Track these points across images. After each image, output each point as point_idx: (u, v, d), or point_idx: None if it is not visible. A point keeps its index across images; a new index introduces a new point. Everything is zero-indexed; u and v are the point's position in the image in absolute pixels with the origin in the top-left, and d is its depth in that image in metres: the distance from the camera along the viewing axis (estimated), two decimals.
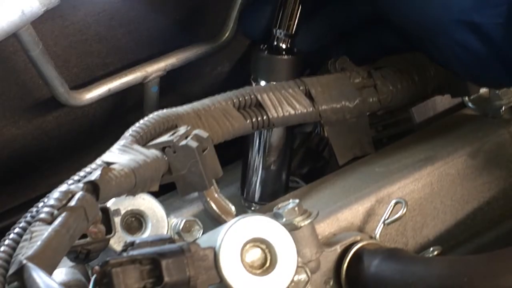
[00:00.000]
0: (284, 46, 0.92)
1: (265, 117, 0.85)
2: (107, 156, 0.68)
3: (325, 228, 0.78)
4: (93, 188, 0.61)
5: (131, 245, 0.62)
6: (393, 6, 0.85)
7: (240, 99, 0.84)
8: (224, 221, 0.80)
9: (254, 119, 0.84)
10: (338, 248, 0.75)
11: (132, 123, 0.75)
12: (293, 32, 0.92)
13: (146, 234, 0.79)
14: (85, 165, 0.68)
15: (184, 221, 0.80)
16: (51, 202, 0.59)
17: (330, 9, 0.96)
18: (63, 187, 0.61)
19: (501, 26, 0.76)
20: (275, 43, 0.92)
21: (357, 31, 0.96)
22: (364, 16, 0.94)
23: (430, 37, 0.83)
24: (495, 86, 0.91)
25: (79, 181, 0.65)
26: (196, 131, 0.72)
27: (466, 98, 0.97)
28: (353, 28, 0.96)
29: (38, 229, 0.57)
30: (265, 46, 0.93)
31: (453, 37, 0.80)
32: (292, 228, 0.70)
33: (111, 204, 0.76)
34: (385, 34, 0.94)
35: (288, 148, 0.95)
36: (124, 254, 0.60)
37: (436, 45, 0.84)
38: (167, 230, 0.80)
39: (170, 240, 0.62)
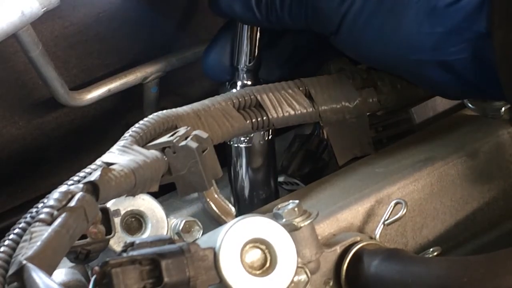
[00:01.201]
0: (249, 82, 0.92)
1: (265, 118, 0.85)
2: (107, 157, 0.68)
3: (325, 228, 0.78)
4: (93, 188, 0.61)
5: (131, 246, 0.61)
6: (355, 52, 0.85)
7: (240, 99, 0.84)
8: (224, 222, 0.80)
9: (254, 120, 0.84)
10: (338, 249, 0.75)
11: (132, 124, 0.75)
12: (255, 65, 0.92)
13: (146, 234, 0.79)
14: (85, 166, 0.68)
15: (184, 221, 0.80)
16: (51, 202, 0.59)
17: (289, 35, 0.95)
18: (63, 188, 0.61)
19: (468, 60, 0.76)
20: (239, 81, 0.92)
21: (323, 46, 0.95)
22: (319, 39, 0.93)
23: (396, 73, 0.86)
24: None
25: (79, 181, 0.65)
26: (196, 132, 0.72)
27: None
28: (319, 46, 0.95)
29: (38, 230, 0.57)
30: (230, 84, 0.93)
31: (419, 74, 0.80)
32: (292, 229, 0.70)
33: (111, 204, 0.76)
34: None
35: (271, 154, 0.95)
36: (124, 254, 0.60)
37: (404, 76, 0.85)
38: (167, 231, 0.80)
39: (170, 241, 0.62)
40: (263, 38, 0.93)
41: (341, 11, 0.80)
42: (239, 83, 0.92)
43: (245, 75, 0.92)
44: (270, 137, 0.93)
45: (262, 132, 0.92)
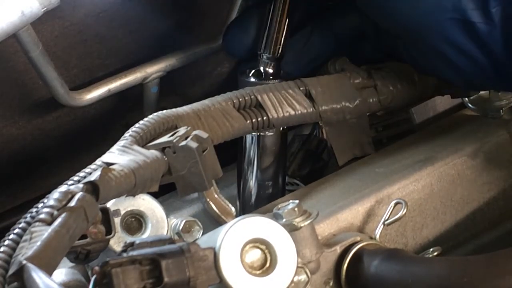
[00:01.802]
0: (271, 70, 0.92)
1: (265, 118, 0.85)
2: (107, 157, 0.68)
3: (325, 228, 0.78)
4: (93, 188, 0.61)
5: (131, 246, 0.61)
6: (382, 11, 0.83)
7: (240, 99, 0.84)
8: (224, 222, 0.80)
9: (254, 120, 0.84)
10: (338, 249, 0.75)
11: (132, 124, 0.75)
12: (279, 55, 0.92)
13: (146, 234, 0.79)
14: (85, 166, 0.68)
15: (184, 221, 0.80)
16: (51, 202, 0.59)
17: (318, 31, 0.95)
18: (63, 188, 0.61)
19: (494, 28, 0.75)
20: (262, 67, 0.92)
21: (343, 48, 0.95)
22: (353, 33, 0.93)
23: (422, 38, 0.81)
24: (484, 89, 0.90)
25: (79, 181, 0.65)
26: (196, 132, 0.72)
27: (466, 99, 0.97)
28: (341, 47, 0.95)
29: (38, 230, 0.57)
30: (251, 70, 0.93)
31: (446, 37, 0.79)
32: (292, 229, 0.70)
33: (111, 204, 0.76)
34: (367, 49, 0.93)
35: (283, 151, 0.94)
36: (124, 254, 0.60)
37: (425, 49, 0.82)
38: (167, 231, 0.80)
39: (170, 241, 0.62)
40: (290, 29, 0.92)
41: None
42: (260, 71, 0.92)
43: (269, 63, 0.92)
44: (284, 128, 0.93)
45: None
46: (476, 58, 0.78)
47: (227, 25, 0.96)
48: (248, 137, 0.93)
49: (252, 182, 0.93)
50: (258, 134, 0.92)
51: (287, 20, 0.91)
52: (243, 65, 0.95)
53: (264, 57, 0.92)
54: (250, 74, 0.93)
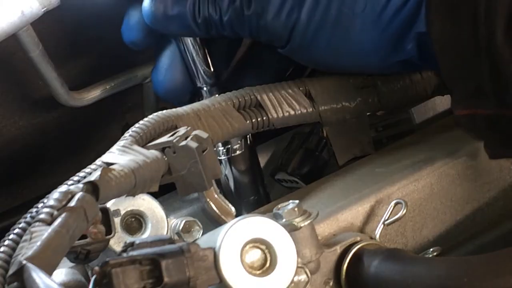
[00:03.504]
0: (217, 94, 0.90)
1: (265, 118, 0.85)
2: (107, 157, 0.69)
3: (325, 228, 0.78)
4: (93, 188, 0.61)
5: (131, 246, 0.61)
6: (309, 60, 0.85)
7: (240, 99, 0.84)
8: (224, 222, 0.80)
9: (254, 120, 0.84)
10: (338, 249, 0.75)
11: (132, 124, 0.75)
12: (218, 79, 0.91)
13: (146, 234, 0.79)
14: (85, 166, 0.68)
15: (183, 221, 0.80)
16: (51, 202, 0.59)
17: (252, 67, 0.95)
18: (63, 188, 0.61)
19: (416, 58, 0.79)
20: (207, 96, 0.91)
21: None
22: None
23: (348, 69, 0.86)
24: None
25: (79, 181, 0.65)
26: (196, 132, 0.72)
27: None
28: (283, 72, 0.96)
29: (37, 230, 0.57)
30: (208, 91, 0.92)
31: (379, 69, 0.83)
32: (292, 229, 0.70)
33: (111, 204, 0.76)
34: None
35: (255, 166, 0.94)
36: (124, 254, 0.60)
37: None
38: (167, 231, 0.80)
39: (170, 241, 0.62)
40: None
41: (288, 26, 0.80)
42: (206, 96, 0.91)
43: (210, 91, 0.91)
44: (249, 146, 0.92)
45: (240, 141, 0.91)
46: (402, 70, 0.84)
47: (152, 75, 0.93)
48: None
49: (233, 197, 0.93)
50: (228, 157, 0.91)
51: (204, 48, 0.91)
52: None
53: (205, 88, 0.91)
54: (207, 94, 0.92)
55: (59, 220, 0.57)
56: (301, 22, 0.80)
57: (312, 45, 0.81)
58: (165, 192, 0.91)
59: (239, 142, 0.91)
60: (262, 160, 1.00)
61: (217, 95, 0.86)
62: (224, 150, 0.91)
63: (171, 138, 0.71)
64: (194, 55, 0.90)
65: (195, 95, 0.92)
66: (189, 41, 0.90)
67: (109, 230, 0.68)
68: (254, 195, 0.93)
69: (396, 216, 0.76)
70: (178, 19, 0.84)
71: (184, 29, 0.85)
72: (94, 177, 0.62)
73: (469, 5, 0.70)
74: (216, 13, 0.83)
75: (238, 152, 0.92)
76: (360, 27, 0.78)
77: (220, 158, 0.91)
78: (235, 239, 0.65)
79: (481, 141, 0.79)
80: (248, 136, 0.92)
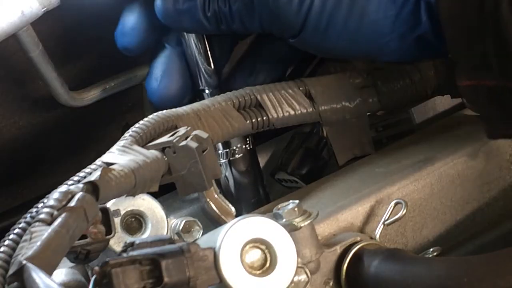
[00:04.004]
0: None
1: (265, 118, 0.85)
2: (107, 157, 0.69)
3: (325, 228, 0.78)
4: (93, 188, 0.61)
5: (131, 246, 0.61)
6: (321, 50, 0.84)
7: (240, 99, 0.84)
8: (224, 222, 0.80)
9: (254, 120, 0.84)
10: (338, 249, 0.75)
11: (132, 124, 0.75)
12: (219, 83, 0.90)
13: (146, 234, 0.79)
14: (85, 166, 0.68)
15: (183, 221, 0.80)
16: (51, 202, 0.59)
17: (260, 59, 0.94)
18: (63, 188, 0.61)
19: (430, 31, 0.77)
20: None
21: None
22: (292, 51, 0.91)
23: (365, 56, 0.85)
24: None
25: (79, 181, 0.65)
26: (196, 132, 0.72)
27: None
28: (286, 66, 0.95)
29: (37, 230, 0.57)
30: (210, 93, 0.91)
31: (385, 56, 0.81)
32: (292, 229, 0.70)
33: (111, 204, 0.76)
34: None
35: (255, 168, 0.94)
36: (124, 254, 0.60)
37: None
38: (167, 231, 0.80)
39: (170, 241, 0.62)
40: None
41: (301, 14, 0.79)
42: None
43: (212, 94, 0.90)
44: (250, 148, 0.92)
45: (240, 144, 0.91)
46: (415, 52, 0.81)
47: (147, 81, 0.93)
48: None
49: (234, 198, 0.93)
50: (229, 159, 0.91)
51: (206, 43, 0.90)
52: None
53: (207, 91, 0.91)
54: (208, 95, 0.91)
55: (59, 220, 0.57)
56: (315, 6, 0.78)
57: (327, 31, 0.79)
58: (165, 192, 0.91)
59: (239, 145, 0.91)
60: (262, 160, 1.00)
61: (217, 95, 0.86)
62: (224, 153, 0.91)
63: (171, 138, 0.71)
64: (197, 54, 0.90)
65: (192, 101, 0.91)
66: (191, 40, 0.90)
67: (109, 230, 0.68)
68: (254, 196, 0.93)
69: (396, 216, 0.76)
70: (189, 13, 0.84)
71: (195, 24, 0.85)
72: (94, 177, 0.62)
73: None
74: (225, 5, 0.82)
75: (237, 155, 0.91)
76: (377, 6, 0.77)
77: (220, 161, 0.91)
78: (235, 239, 0.65)
79: (482, 115, 0.78)
80: (248, 138, 0.92)
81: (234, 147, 0.91)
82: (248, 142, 0.92)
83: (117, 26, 0.89)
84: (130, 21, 0.89)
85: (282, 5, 0.79)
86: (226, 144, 0.90)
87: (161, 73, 0.91)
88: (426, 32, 0.77)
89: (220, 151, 0.91)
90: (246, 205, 0.92)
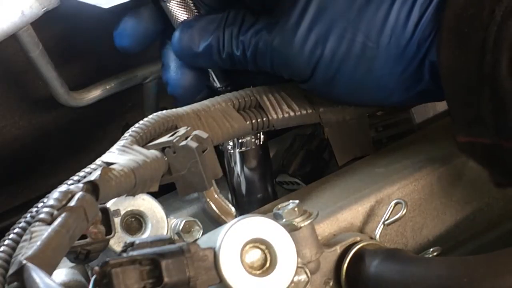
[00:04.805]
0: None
1: (264, 119, 0.85)
2: (107, 157, 0.69)
3: (325, 228, 0.78)
4: (92, 188, 0.61)
5: (131, 246, 0.61)
6: (329, 97, 0.85)
7: (240, 100, 0.84)
8: (224, 222, 0.80)
9: (254, 120, 0.84)
10: (338, 249, 0.75)
11: (132, 124, 0.75)
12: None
13: (146, 234, 0.79)
14: (85, 166, 0.68)
15: (183, 221, 0.80)
16: (51, 202, 0.59)
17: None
18: (63, 187, 0.61)
19: (434, 86, 0.79)
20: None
21: None
22: None
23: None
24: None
25: (78, 181, 0.65)
26: (196, 132, 0.72)
27: None
28: None
29: (38, 229, 0.57)
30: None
31: (398, 101, 0.83)
32: (292, 229, 0.70)
33: (111, 204, 0.76)
34: None
35: (266, 163, 0.94)
36: (124, 254, 0.60)
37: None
38: (167, 231, 0.80)
39: (170, 241, 0.62)
40: None
41: (312, 61, 0.80)
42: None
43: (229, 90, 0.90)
44: (262, 142, 0.92)
45: (253, 137, 0.91)
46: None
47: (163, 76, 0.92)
48: (230, 155, 0.92)
49: (242, 193, 0.93)
50: (240, 151, 0.91)
51: None
52: None
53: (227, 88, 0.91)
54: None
55: (59, 219, 0.57)
56: (324, 57, 0.79)
57: (334, 81, 0.80)
58: (165, 192, 0.91)
59: (249, 138, 0.91)
60: None
61: (217, 96, 0.86)
62: (238, 144, 0.90)
63: (171, 138, 0.71)
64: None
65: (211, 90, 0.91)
66: None
67: (109, 230, 0.68)
68: (263, 192, 0.93)
69: (396, 216, 0.76)
70: (204, 56, 0.86)
71: (211, 64, 0.87)
72: (94, 176, 0.62)
73: (479, 35, 0.70)
74: (238, 49, 0.84)
75: (249, 147, 0.91)
76: (384, 61, 0.78)
77: (232, 151, 0.91)
78: (235, 239, 0.65)
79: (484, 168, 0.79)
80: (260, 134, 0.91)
81: (245, 140, 0.90)
82: (259, 137, 0.92)
83: (117, 27, 0.90)
84: (130, 24, 0.89)
85: (294, 54, 0.81)
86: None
87: (175, 63, 0.90)
88: (429, 87, 0.79)
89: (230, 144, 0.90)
90: (253, 202, 0.92)
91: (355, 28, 0.78)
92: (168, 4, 0.87)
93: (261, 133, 0.91)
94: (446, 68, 0.74)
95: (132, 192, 0.66)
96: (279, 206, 0.72)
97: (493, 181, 0.79)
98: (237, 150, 0.91)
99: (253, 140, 0.91)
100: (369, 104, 0.87)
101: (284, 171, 1.00)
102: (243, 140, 0.90)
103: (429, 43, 0.76)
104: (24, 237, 0.58)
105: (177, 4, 0.87)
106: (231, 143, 0.91)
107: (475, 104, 0.72)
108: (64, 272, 0.78)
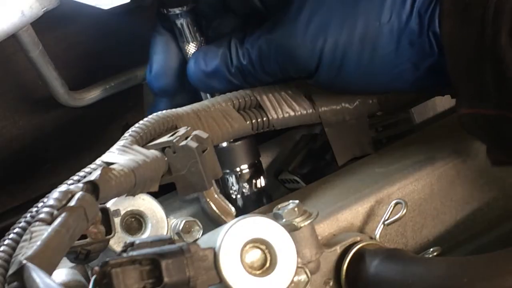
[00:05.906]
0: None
1: (265, 119, 0.85)
2: (107, 156, 0.69)
3: (325, 228, 0.78)
4: (92, 188, 0.61)
5: (131, 246, 0.61)
6: (341, 89, 0.85)
7: (240, 100, 0.85)
8: (224, 222, 0.80)
9: (254, 120, 0.84)
10: (338, 249, 0.75)
11: (132, 124, 0.75)
12: None
13: (146, 234, 0.79)
14: (85, 165, 0.68)
15: (183, 221, 0.80)
16: (51, 202, 0.59)
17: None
18: (63, 187, 0.61)
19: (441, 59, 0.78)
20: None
21: None
22: None
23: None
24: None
25: (78, 181, 0.65)
26: (196, 132, 0.72)
27: None
28: None
29: (38, 229, 0.57)
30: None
31: (408, 81, 0.81)
32: (292, 229, 0.70)
33: (111, 204, 0.76)
34: None
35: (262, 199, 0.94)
36: (124, 254, 0.60)
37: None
38: (167, 231, 0.80)
39: (170, 241, 0.62)
40: None
41: (316, 49, 0.80)
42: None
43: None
44: (260, 186, 0.92)
45: (249, 184, 0.91)
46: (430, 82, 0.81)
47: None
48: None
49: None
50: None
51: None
52: None
53: None
54: None
55: (59, 219, 0.57)
56: (328, 44, 0.79)
57: (342, 68, 0.80)
58: (165, 192, 0.91)
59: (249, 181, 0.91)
60: (266, 159, 1.00)
61: (217, 96, 0.86)
62: (235, 191, 0.91)
63: (171, 138, 0.71)
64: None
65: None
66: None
67: (109, 230, 0.68)
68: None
69: (396, 216, 0.76)
70: (215, 74, 0.86)
71: (224, 83, 0.87)
72: (94, 176, 0.62)
73: (479, 7, 0.70)
74: (244, 57, 0.84)
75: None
76: (388, 38, 0.77)
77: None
78: (235, 239, 0.65)
79: (483, 144, 0.79)
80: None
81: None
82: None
83: (148, 70, 0.91)
84: (159, 61, 0.90)
85: (297, 45, 0.81)
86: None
87: (155, 55, 0.91)
88: (438, 61, 0.78)
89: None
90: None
91: (354, 12, 0.78)
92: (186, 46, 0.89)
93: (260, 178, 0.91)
94: (448, 38, 0.74)
95: (132, 192, 0.66)
96: (279, 206, 0.72)
97: (491, 159, 0.78)
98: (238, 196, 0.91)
99: (248, 188, 0.91)
100: (380, 90, 0.85)
101: (285, 169, 1.00)
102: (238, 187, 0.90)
103: (430, 13, 0.75)
104: (24, 237, 0.58)
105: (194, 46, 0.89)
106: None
107: (477, 75, 0.72)
108: (64, 272, 0.78)
